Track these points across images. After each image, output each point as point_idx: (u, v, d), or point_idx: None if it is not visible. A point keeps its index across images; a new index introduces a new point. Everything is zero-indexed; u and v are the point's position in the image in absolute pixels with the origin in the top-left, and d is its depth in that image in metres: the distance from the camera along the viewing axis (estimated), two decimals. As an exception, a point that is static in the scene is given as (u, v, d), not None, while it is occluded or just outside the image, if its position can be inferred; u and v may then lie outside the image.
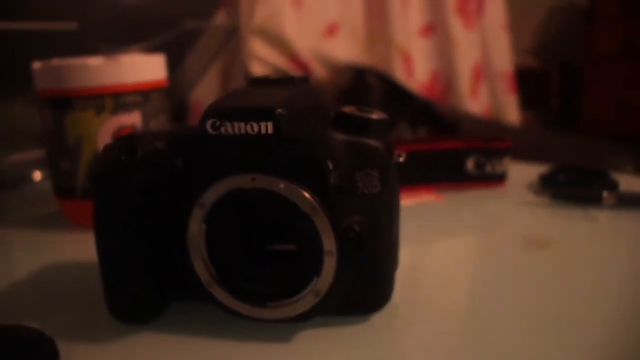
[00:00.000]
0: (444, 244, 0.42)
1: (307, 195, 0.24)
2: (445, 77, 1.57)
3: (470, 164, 0.50)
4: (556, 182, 0.51)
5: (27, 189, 0.59)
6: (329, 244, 0.25)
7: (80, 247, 0.36)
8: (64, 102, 0.41)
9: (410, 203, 0.47)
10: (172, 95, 0.81)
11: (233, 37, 0.80)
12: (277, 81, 0.29)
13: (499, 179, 0.51)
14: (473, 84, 1.61)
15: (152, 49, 0.69)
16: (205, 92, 0.88)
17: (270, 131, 0.23)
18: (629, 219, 0.45)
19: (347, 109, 0.27)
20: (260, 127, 0.23)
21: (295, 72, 1.26)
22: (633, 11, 1.73)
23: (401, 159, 0.28)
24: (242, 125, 0.24)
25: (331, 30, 1.34)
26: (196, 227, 0.26)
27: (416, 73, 1.50)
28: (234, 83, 1.12)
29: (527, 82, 1.90)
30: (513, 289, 0.33)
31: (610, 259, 0.38)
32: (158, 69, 0.45)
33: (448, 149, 0.49)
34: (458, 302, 0.32)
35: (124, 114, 0.42)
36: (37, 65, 0.43)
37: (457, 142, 0.49)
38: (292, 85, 0.29)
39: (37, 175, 0.61)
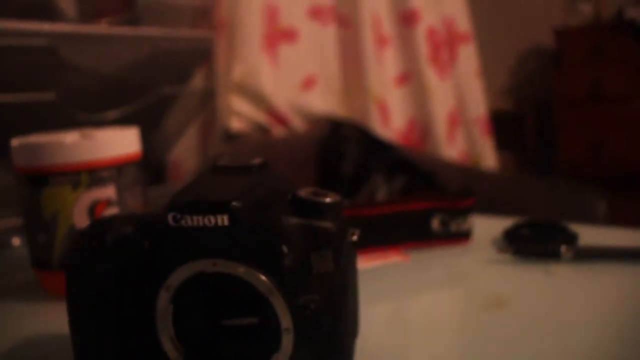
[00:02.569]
0: (405, 305, 0.43)
1: (263, 278, 0.26)
2: (421, 124, 1.61)
3: (435, 223, 0.52)
4: (519, 238, 0.53)
5: (6, 255, 0.60)
6: (286, 322, 0.26)
7: (56, 319, 0.37)
8: (41, 179, 0.43)
9: (378, 264, 0.49)
10: (150, 158, 0.83)
11: (209, 98, 0.82)
12: (237, 169, 0.31)
13: (464, 236, 0.53)
14: (449, 130, 1.65)
15: (130, 115, 0.72)
16: (184, 152, 0.90)
17: (226, 223, 0.25)
18: (586, 271, 0.47)
19: (303, 193, 0.29)
20: (217, 219, 0.25)
21: (274, 126, 1.29)
22: (598, 55, 1.80)
23: (354, 237, 0.30)
24: (200, 218, 0.26)
25: (308, 83, 1.38)
26: (163, 307, 0.28)
27: (392, 121, 1.54)
28: (213, 140, 1.15)
29: (502, 124, 1.95)
30: (471, 350, 0.35)
31: (566, 313, 0.39)
32: (131, 142, 0.47)
33: (414, 210, 0.51)
34: (418, 366, 0.33)
35: (99, 188, 0.44)
36: (14, 142, 0.44)
37: (422, 203, 0.51)
38: (251, 172, 0.31)
39: (16, 241, 0.62)
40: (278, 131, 1.29)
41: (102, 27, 0.67)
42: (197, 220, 0.26)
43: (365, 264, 0.48)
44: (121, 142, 0.46)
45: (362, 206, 0.49)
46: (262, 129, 1.27)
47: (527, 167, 2.07)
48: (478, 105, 1.75)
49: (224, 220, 0.25)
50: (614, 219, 1.32)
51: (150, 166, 0.82)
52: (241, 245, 0.26)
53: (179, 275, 0.27)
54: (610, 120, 1.78)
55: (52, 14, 0.68)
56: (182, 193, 0.27)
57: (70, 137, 0.44)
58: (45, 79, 0.62)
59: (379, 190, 0.96)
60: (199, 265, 0.27)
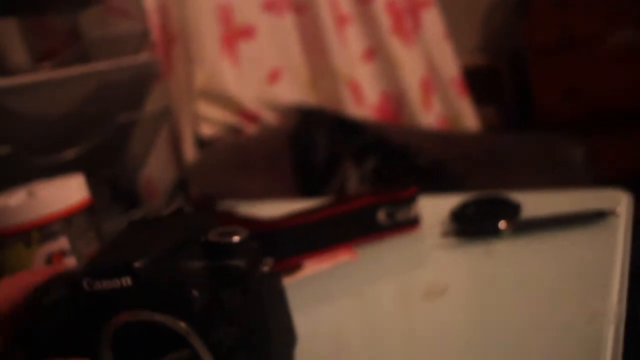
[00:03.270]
0: (348, 304, 0.46)
1: (180, 323, 0.29)
2: (395, 96, 1.63)
3: (381, 216, 0.54)
4: (463, 217, 0.56)
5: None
6: (207, 357, 0.29)
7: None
8: (-6, 242, 0.45)
9: (327, 266, 0.51)
10: (121, 185, 0.85)
11: (169, 115, 0.84)
12: (151, 222, 0.33)
13: (412, 224, 0.56)
14: (423, 97, 1.67)
15: (90, 150, 0.74)
16: (155, 171, 0.92)
17: (129, 283, 0.28)
18: (524, 245, 0.49)
19: (212, 235, 0.32)
20: (121, 281, 0.28)
21: (245, 125, 1.31)
22: (565, 1, 1.80)
23: (266, 268, 0.33)
24: (107, 282, 0.28)
25: (273, 76, 1.39)
26: (105, 353, 0.30)
27: (365, 98, 1.56)
28: (186, 151, 1.17)
29: (479, 80, 1.96)
30: (410, 341, 0.37)
31: (502, 293, 0.42)
32: (78, 191, 0.49)
33: (357, 208, 0.54)
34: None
35: (51, 241, 0.46)
36: (-33, 210, 0.47)
37: (365, 199, 0.54)
38: (164, 223, 0.33)
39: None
40: (250, 129, 1.31)
41: (48, 73, 0.69)
42: (106, 284, 0.28)
43: (314, 267, 0.51)
44: (67, 193, 0.48)
45: (306, 213, 0.52)
46: (233, 130, 1.29)
47: (508, 119, 2.08)
48: (450, 67, 1.75)
49: (127, 281, 0.28)
50: (597, 161, 1.34)
51: (121, 193, 0.85)
52: (153, 297, 0.29)
53: (110, 327, 0.30)
54: (584, 63, 1.79)
55: (3, 67, 0.70)
56: (96, 257, 0.30)
57: (15, 199, 0.46)
58: (-1, 134, 0.64)
59: (351, 176, 0.99)
60: (123, 317, 0.29)
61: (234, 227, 0.33)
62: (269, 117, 1.34)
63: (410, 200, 0.55)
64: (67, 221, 0.47)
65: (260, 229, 0.50)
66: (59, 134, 0.71)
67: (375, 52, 1.60)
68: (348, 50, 1.53)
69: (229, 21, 1.31)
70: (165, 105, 0.85)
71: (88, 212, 0.50)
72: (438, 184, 1.00)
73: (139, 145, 0.87)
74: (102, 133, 0.76)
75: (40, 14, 0.86)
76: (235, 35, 1.32)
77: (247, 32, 1.34)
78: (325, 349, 0.39)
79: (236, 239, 0.32)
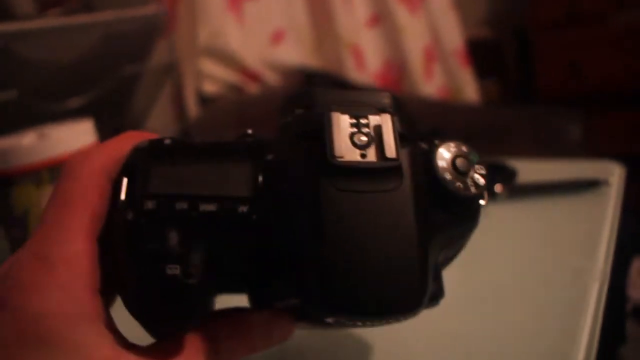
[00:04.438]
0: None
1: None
2: (397, 64, 1.63)
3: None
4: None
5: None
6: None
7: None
8: (6, 181, 0.47)
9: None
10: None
11: (173, 69, 0.85)
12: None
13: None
14: (426, 67, 1.67)
15: (94, 100, 0.75)
16: (158, 124, 0.93)
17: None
18: (518, 208, 0.51)
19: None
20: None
21: (247, 84, 1.31)
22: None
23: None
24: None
25: (277, 37, 1.39)
26: None
27: (367, 65, 1.56)
28: (189, 107, 1.17)
29: (482, 53, 1.95)
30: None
31: (499, 254, 0.44)
32: (86, 136, 0.50)
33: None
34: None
35: (60, 182, 0.47)
36: (-23, 148, 0.48)
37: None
38: None
39: None
40: (252, 89, 1.31)
41: (54, 20, 0.69)
42: None
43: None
44: (77, 136, 0.49)
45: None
46: (235, 89, 1.30)
47: (509, 93, 2.09)
48: (454, 38, 1.75)
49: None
50: (594, 139, 1.35)
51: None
52: None
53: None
54: (588, 41, 1.78)
55: (6, 12, 0.70)
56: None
57: (27, 139, 0.47)
58: (5, 78, 0.64)
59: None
60: None
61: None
62: (271, 78, 1.34)
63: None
64: (76, 164, 0.48)
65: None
66: (64, 82, 0.72)
67: (380, 18, 1.60)
68: (353, 15, 1.52)
69: (234, -21, 1.30)
70: (170, 60, 0.85)
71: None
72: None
73: (143, 98, 0.87)
74: (108, 83, 0.77)
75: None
76: (240, -7, 1.31)
77: (252, -9, 1.34)
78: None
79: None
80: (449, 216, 0.25)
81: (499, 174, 0.57)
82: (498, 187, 0.52)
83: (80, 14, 0.73)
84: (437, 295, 0.26)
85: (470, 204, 0.26)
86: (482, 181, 0.25)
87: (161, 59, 0.85)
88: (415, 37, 1.64)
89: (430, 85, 1.67)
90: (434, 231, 0.24)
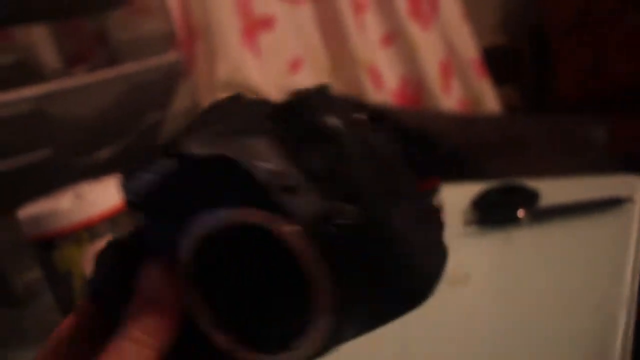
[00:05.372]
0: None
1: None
2: (414, 80, 1.64)
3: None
4: (484, 206, 0.58)
5: (39, 306, 0.67)
6: None
7: None
8: (48, 244, 0.49)
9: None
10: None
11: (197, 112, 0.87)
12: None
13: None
14: (443, 81, 1.68)
15: (122, 150, 0.78)
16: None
17: None
18: (543, 233, 0.52)
19: None
20: None
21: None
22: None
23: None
24: None
25: (294, 66, 1.41)
26: None
27: (385, 84, 1.57)
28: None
29: (499, 60, 1.95)
30: (438, 327, 0.40)
31: (523, 280, 0.45)
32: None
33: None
34: (387, 341, 0.39)
35: (99, 241, 0.50)
36: (20, 213, 0.51)
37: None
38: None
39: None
40: (274, 119, 1.34)
41: (82, 78, 0.73)
42: None
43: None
44: (111, 194, 0.52)
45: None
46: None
47: (526, 99, 2.08)
48: (469, 49, 1.76)
49: None
50: (618, 142, 1.34)
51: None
52: None
53: None
54: (605, 42, 1.78)
55: (36, 72, 0.74)
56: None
57: (65, 202, 0.50)
58: (39, 138, 0.68)
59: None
60: None
61: None
62: (291, 107, 1.37)
63: (433, 192, 0.58)
64: (113, 221, 0.51)
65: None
66: (93, 135, 0.75)
67: (394, 37, 1.61)
68: (367, 36, 1.54)
69: (248, 13, 1.33)
70: (192, 103, 0.88)
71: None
72: (458, 171, 1.02)
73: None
74: (134, 133, 0.79)
75: (67, 17, 0.90)
76: (255, 27, 1.34)
77: (266, 23, 1.36)
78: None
79: None
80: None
81: (520, 197, 0.58)
82: (520, 212, 0.53)
83: (104, 68, 0.77)
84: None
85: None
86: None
87: (182, 101, 0.88)
88: (430, 53, 1.65)
89: (449, 99, 1.68)
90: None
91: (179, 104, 0.88)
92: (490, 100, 1.77)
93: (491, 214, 0.55)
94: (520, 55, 2.12)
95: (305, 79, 1.42)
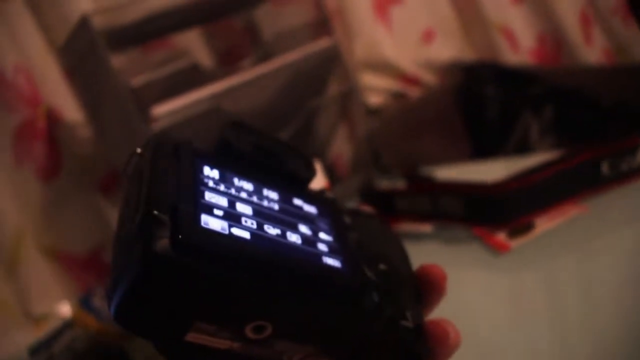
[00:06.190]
0: (589, 257, 0.47)
1: None
2: (552, 36, 1.55)
3: (605, 168, 0.54)
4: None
5: None
6: None
7: None
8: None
9: (559, 221, 0.52)
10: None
11: (348, 96, 0.89)
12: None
13: (637, 173, 0.55)
14: (584, 32, 1.57)
15: (291, 135, 0.80)
16: (340, 147, 0.97)
17: None
18: None
19: None
20: None
21: (407, 88, 1.33)
22: None
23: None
24: None
25: (427, 37, 1.39)
26: None
27: (522, 44, 1.50)
28: (357, 122, 1.21)
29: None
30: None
31: None
32: (319, 177, 0.54)
33: (581, 162, 0.54)
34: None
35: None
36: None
37: (587, 154, 0.54)
38: None
39: None
40: (414, 92, 1.32)
41: (251, 72, 0.76)
42: None
43: (547, 225, 0.52)
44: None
45: (533, 172, 0.53)
46: (397, 95, 1.31)
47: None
48: (610, -7, 1.63)
49: None
50: None
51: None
52: None
53: None
54: None
55: (206, 73, 0.78)
56: None
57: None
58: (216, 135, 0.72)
59: (531, 127, 0.97)
60: None
61: None
62: (429, 78, 1.34)
63: (634, 150, 0.54)
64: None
65: (487, 193, 0.52)
66: (264, 126, 0.78)
67: (526, -8, 1.53)
68: (497, -4, 1.48)
69: (378, -11, 1.33)
70: (349, 85, 0.89)
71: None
72: (624, 126, 0.95)
73: (326, 124, 0.92)
74: (299, 119, 0.82)
75: (217, 18, 0.94)
76: (385, 1, 1.33)
77: (396, -3, 1.35)
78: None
79: None
80: None
81: None
82: None
83: (265, 61, 0.79)
84: None
85: None
86: None
87: (336, 86, 0.90)
88: (567, 4, 1.55)
89: (592, 51, 1.57)
90: None
91: (332, 90, 0.89)
92: (638, 46, 1.63)
93: None
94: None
95: (439, 49, 1.39)
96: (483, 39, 1.46)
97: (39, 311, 0.80)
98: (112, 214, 0.89)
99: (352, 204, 0.73)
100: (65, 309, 0.76)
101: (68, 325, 0.74)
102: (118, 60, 0.74)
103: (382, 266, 0.26)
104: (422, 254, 0.52)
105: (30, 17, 0.85)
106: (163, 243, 0.18)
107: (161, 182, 0.21)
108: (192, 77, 0.83)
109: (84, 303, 0.78)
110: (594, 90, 1.12)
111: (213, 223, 0.20)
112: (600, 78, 1.29)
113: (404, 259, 0.29)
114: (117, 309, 0.18)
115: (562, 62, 1.54)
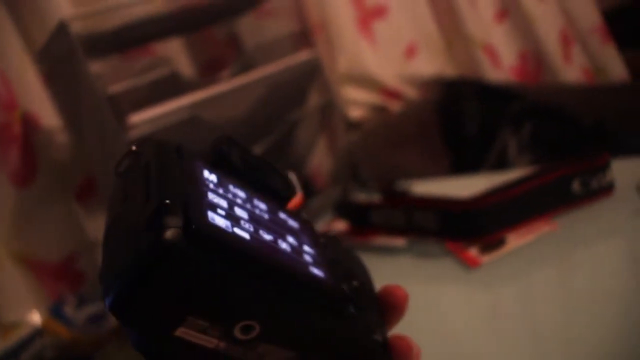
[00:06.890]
0: (565, 271, 0.47)
1: None
2: (533, 54, 1.57)
3: (576, 186, 0.55)
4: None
5: None
6: None
7: None
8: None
9: (530, 238, 0.53)
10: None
11: (329, 110, 0.89)
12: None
13: (606, 190, 0.56)
14: (564, 51, 1.59)
15: (270, 147, 0.80)
16: (319, 159, 0.98)
17: None
18: None
19: None
20: None
21: (388, 102, 1.33)
22: None
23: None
24: None
25: (410, 51, 1.40)
26: None
27: (503, 61, 1.52)
28: (338, 135, 1.22)
29: (625, 22, 1.82)
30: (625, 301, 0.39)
31: None
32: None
33: (553, 179, 0.54)
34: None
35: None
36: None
37: (560, 171, 0.54)
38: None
39: None
40: (394, 106, 1.33)
41: (229, 83, 0.76)
42: None
43: (518, 241, 0.52)
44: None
45: (506, 188, 0.54)
46: (378, 109, 1.32)
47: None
48: (590, 14, 1.66)
49: None
50: None
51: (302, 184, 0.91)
52: None
53: None
54: None
55: (186, 82, 0.78)
56: None
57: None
58: (195, 142, 0.71)
59: (510, 144, 0.98)
60: None
61: None
62: (411, 92, 1.35)
63: (605, 167, 0.55)
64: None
65: (459, 209, 0.53)
66: (243, 136, 0.78)
67: (509, 12, 1.56)
68: (480, 14, 1.50)
69: (361, 2, 1.33)
70: (327, 98, 0.89)
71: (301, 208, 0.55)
72: (602, 145, 0.97)
73: (305, 137, 0.92)
74: (278, 131, 0.82)
75: (199, 28, 0.94)
76: (369, 15, 1.34)
77: (380, 11, 1.36)
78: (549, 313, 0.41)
79: None
80: None
81: None
82: None
83: (245, 72, 0.79)
84: None
85: None
86: None
87: (317, 99, 0.90)
88: (548, 23, 1.57)
89: (571, 70, 1.59)
90: None
91: (312, 101, 0.89)
92: (616, 67, 1.66)
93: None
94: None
95: (422, 63, 1.40)
96: (465, 55, 1.47)
97: (8, 319, 0.79)
98: (87, 222, 0.88)
99: (329, 216, 0.73)
100: (35, 317, 0.75)
101: (38, 333, 0.72)
102: (96, 67, 0.74)
103: (355, 283, 0.28)
104: (395, 268, 0.53)
105: (8, 20, 0.84)
106: (175, 232, 0.18)
107: (171, 177, 0.22)
108: (172, 86, 0.83)
109: (54, 311, 0.77)
110: (572, 109, 1.14)
111: (219, 220, 0.21)
112: (579, 97, 1.31)
113: (368, 279, 0.31)
114: (117, 297, 0.18)
115: (542, 80, 1.56)
